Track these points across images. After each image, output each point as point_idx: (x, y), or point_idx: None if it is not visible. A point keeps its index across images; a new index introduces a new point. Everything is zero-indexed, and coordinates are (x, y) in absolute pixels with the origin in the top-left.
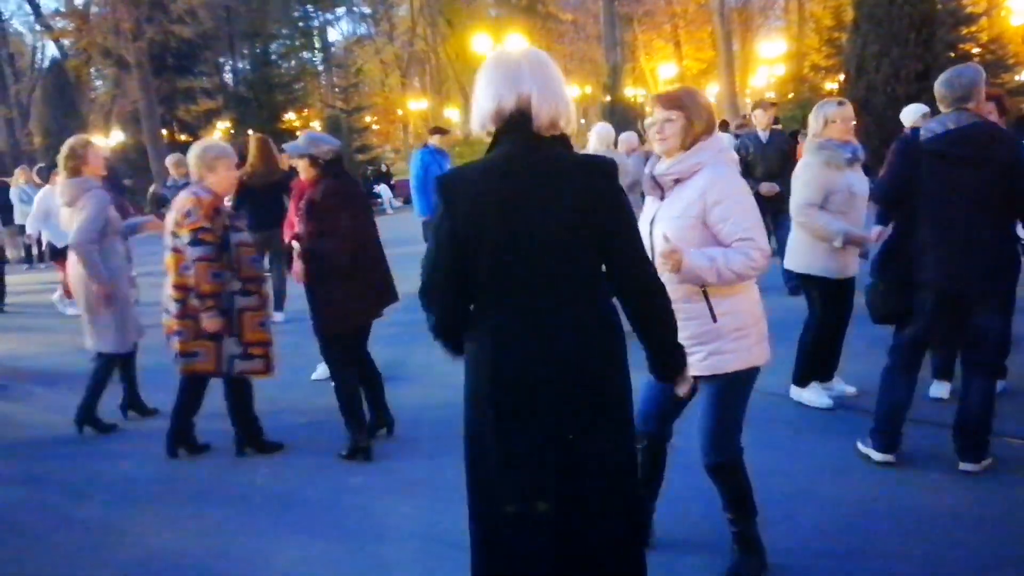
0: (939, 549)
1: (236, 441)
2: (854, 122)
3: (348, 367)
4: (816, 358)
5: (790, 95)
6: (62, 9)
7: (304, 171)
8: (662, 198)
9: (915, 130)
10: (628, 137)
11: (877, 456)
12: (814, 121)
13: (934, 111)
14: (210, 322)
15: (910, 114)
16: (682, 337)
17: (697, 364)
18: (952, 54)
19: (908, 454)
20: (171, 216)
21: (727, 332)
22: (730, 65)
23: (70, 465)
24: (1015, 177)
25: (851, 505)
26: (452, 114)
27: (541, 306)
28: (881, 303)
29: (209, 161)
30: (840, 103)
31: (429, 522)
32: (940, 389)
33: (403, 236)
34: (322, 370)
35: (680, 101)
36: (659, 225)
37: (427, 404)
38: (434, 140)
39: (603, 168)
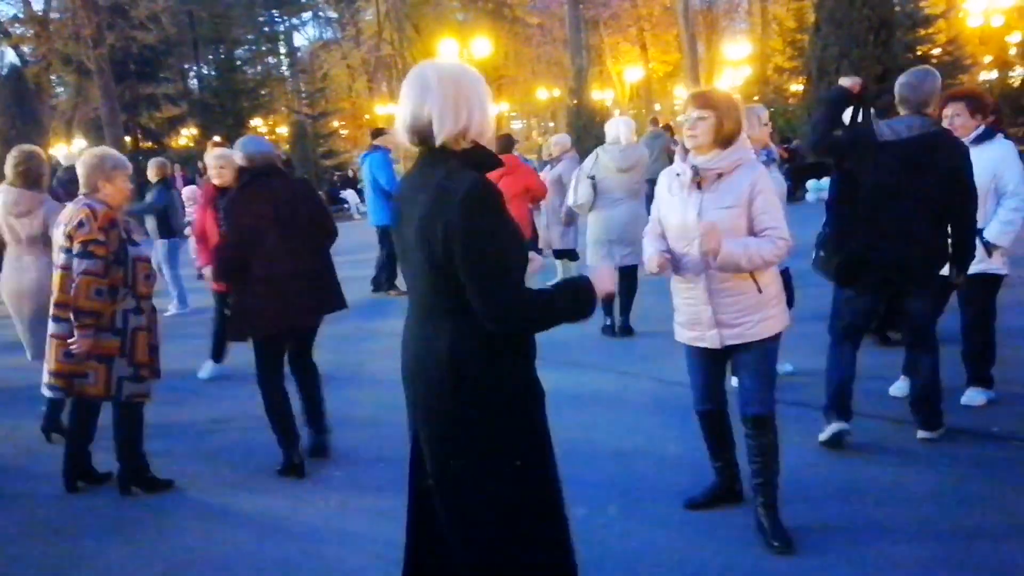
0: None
1: (119, 479)
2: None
3: (272, 378)
4: None
5: (755, 97)
6: (20, 15)
7: (232, 176)
8: (700, 189)
9: None
10: (561, 139)
11: (834, 426)
12: (747, 124)
13: (891, 114)
14: (82, 342)
15: None
16: (732, 311)
17: (747, 332)
18: (910, 56)
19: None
20: (59, 230)
21: (769, 300)
22: (695, 67)
23: None
24: (955, 181)
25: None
26: None
27: (411, 321)
28: (834, 271)
29: (108, 171)
30: (763, 109)
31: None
32: (975, 396)
33: (369, 242)
34: (209, 368)
35: (712, 101)
36: (708, 215)
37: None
38: (380, 141)
39: (463, 189)
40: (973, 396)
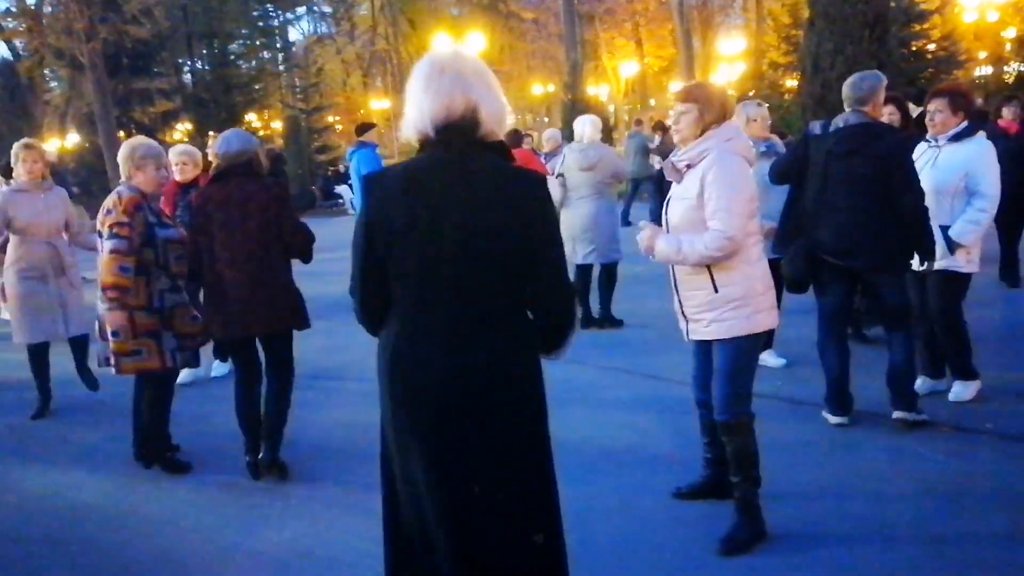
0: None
1: (137, 453)
2: (769, 121)
3: (241, 379)
4: None
5: (751, 92)
6: (13, 9)
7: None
8: (679, 182)
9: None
10: (552, 134)
11: (832, 419)
12: (736, 119)
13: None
14: (111, 316)
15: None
16: (691, 305)
17: (702, 329)
18: (905, 51)
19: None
20: (99, 217)
21: (727, 302)
22: (690, 63)
23: None
24: (890, 169)
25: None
26: None
27: (458, 312)
28: (787, 273)
29: (137, 160)
30: (759, 104)
31: None
32: (921, 386)
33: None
34: (216, 368)
35: (692, 94)
36: (672, 205)
37: None
38: (367, 137)
39: (538, 179)
40: (959, 391)
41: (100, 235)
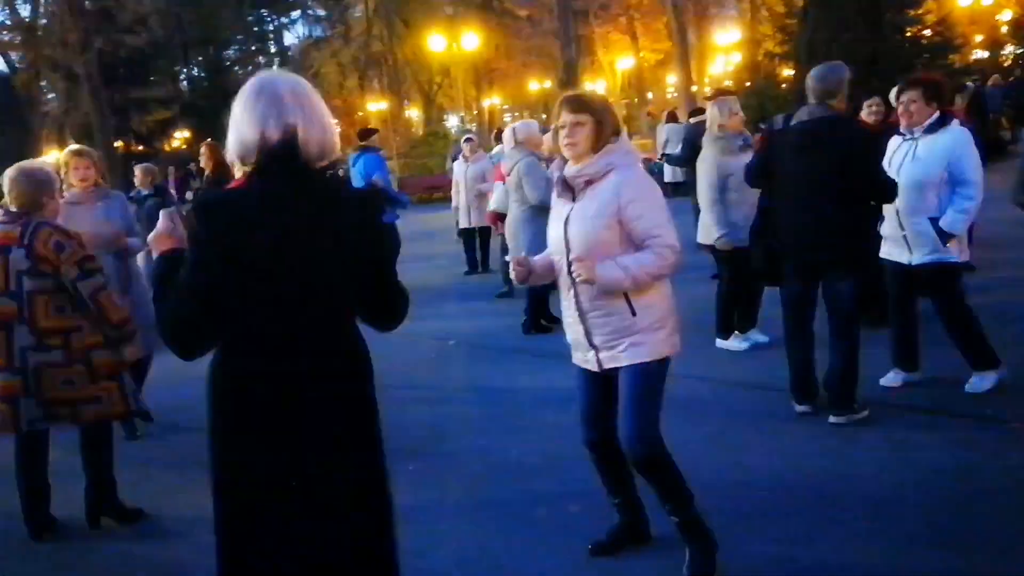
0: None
1: (89, 511)
2: (743, 117)
3: None
4: (732, 313)
5: (747, 83)
6: (7, 22)
7: None
8: (573, 199)
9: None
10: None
11: (796, 408)
12: (719, 115)
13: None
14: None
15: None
16: (603, 332)
17: (617, 355)
18: (900, 37)
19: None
20: (18, 256)
21: (645, 326)
22: (686, 55)
23: None
24: (848, 163)
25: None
26: (412, 114)
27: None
28: (757, 266)
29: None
30: (726, 102)
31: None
32: (894, 378)
33: None
34: None
35: (589, 105)
36: (574, 225)
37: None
38: (371, 142)
39: (376, 201)
40: (977, 383)
41: (41, 276)
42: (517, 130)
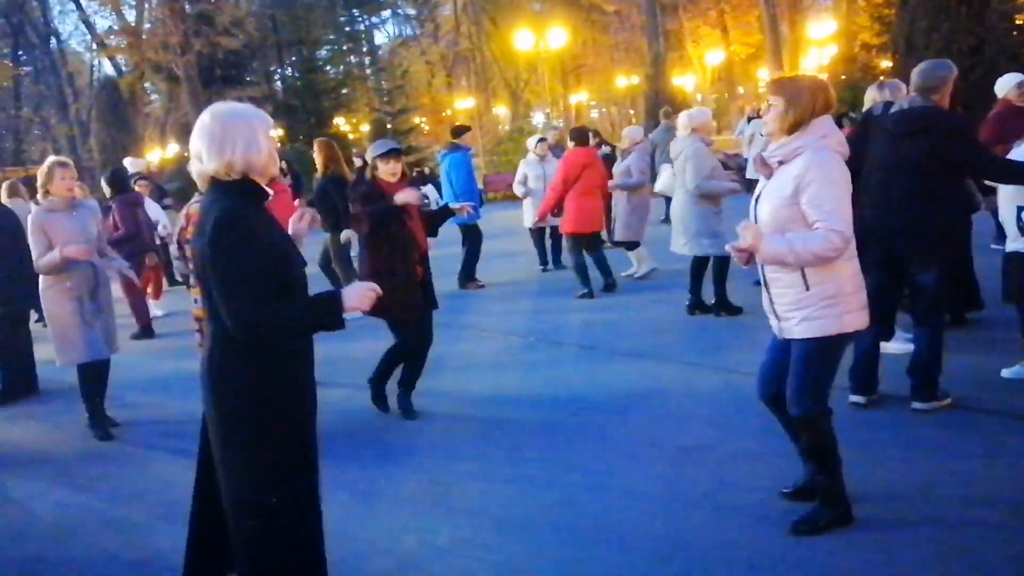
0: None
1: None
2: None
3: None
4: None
5: (842, 76)
6: (115, 27)
7: None
8: (769, 177)
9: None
10: (632, 132)
11: (851, 397)
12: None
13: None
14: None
15: (1004, 84)
16: (782, 302)
17: (792, 328)
18: (1007, 25)
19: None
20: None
21: (818, 300)
22: (778, 48)
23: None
24: (950, 154)
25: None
26: (499, 111)
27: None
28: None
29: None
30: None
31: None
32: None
33: (451, 238)
34: None
35: (781, 87)
36: (763, 202)
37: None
38: (460, 140)
39: (217, 213)
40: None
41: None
42: (692, 117)
